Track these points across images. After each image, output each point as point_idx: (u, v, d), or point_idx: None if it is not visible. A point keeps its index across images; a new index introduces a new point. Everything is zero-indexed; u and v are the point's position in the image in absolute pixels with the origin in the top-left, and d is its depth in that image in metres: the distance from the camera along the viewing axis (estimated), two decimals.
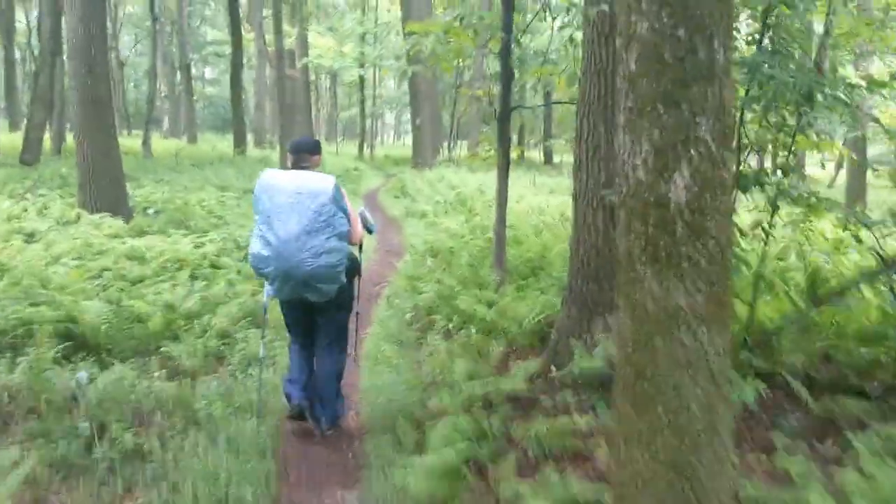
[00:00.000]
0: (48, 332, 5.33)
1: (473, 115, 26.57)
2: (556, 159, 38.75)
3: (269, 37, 31.25)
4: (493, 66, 29.92)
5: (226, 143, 30.14)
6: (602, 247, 5.11)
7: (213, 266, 8.32)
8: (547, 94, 25.57)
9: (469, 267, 7.86)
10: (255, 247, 4.22)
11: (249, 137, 32.94)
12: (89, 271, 7.21)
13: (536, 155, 44.26)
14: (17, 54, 34.72)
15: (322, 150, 4.92)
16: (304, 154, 4.55)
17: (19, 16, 31.59)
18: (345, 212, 4.31)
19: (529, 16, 8.64)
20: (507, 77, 7.43)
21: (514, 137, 44.87)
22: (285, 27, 32.53)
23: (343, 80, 46.70)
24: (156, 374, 5.33)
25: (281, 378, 5.04)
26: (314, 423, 4.59)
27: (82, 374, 4.85)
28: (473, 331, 6.03)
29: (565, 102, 7.88)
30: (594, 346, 4.96)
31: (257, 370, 5.04)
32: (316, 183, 4.19)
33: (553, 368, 5.04)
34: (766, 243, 5.16)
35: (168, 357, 5.61)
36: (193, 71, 61.47)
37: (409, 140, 66.06)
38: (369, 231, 4.98)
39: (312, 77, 49.89)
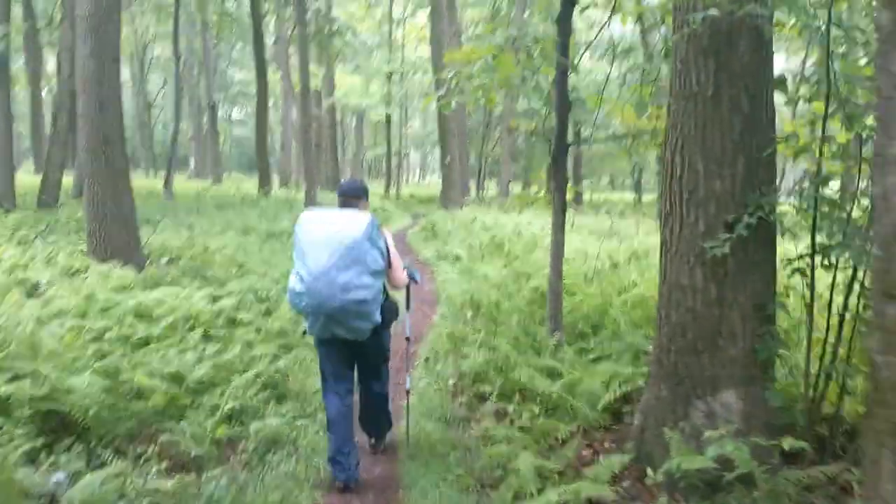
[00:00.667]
0: (26, 415, 4.43)
1: (505, 152, 25.77)
2: (584, 196, 37.80)
3: (296, 77, 30.91)
4: (526, 102, 29.26)
5: (251, 184, 29.61)
6: (702, 311, 4.11)
7: (230, 323, 7.43)
8: (577, 133, 24.76)
9: (519, 325, 6.88)
10: (292, 282, 4.25)
11: (275, 178, 32.43)
12: (89, 332, 6.33)
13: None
14: (46, 95, 34.60)
15: (369, 194, 4.80)
16: (350, 198, 4.54)
17: (48, 55, 31.41)
18: (380, 250, 4.27)
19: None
20: (563, 108, 6.53)
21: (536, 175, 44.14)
22: (312, 67, 32.31)
23: (369, 119, 46.38)
24: (154, 467, 4.40)
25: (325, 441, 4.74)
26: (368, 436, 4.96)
27: (60, 476, 3.93)
28: (536, 410, 5.03)
29: (629, 136, 6.88)
30: (695, 437, 3.95)
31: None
32: (352, 220, 4.18)
33: (647, 470, 4.01)
34: None
35: (170, 444, 4.66)
36: (220, 112, 62.02)
37: (435, 179, 65.67)
38: (414, 280, 4.95)
39: (339, 117, 49.71)
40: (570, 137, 6.76)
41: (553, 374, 5.51)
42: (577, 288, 8.36)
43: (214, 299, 8.14)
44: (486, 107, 32.33)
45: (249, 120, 59.40)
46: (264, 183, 22.89)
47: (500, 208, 21.91)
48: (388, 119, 34.23)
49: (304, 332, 4.71)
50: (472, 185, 31.23)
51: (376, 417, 4.92)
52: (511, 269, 10.88)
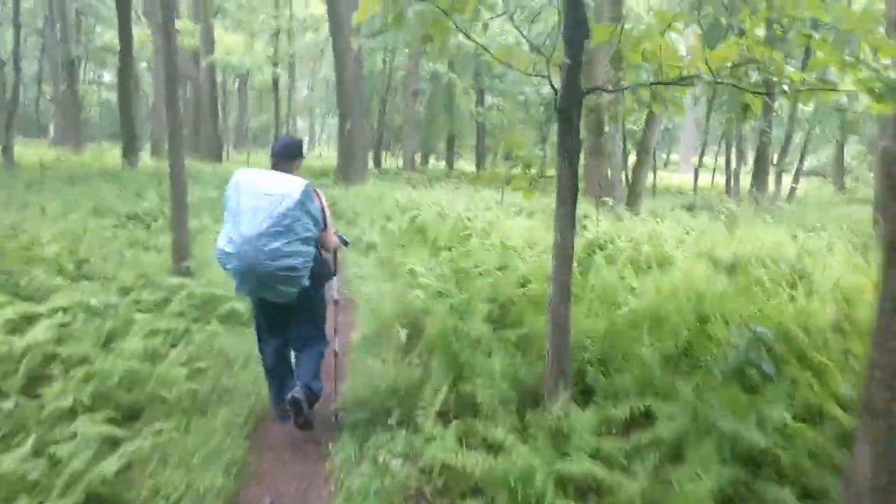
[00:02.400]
0: None
1: (409, 120, 23.17)
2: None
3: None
4: (430, 65, 26.68)
5: (117, 154, 25.87)
6: None
7: (42, 373, 4.73)
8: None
9: (497, 373, 4.48)
10: (221, 242, 4.29)
11: (147, 147, 28.61)
12: None
13: (466, 165, 41.25)
14: None
15: (303, 153, 4.81)
16: (283, 159, 4.57)
17: None
18: (313, 217, 4.32)
19: None
20: (577, 31, 4.12)
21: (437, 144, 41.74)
22: (188, 23, 28.57)
23: (253, 83, 42.58)
24: None
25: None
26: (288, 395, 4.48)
27: None
28: None
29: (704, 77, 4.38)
30: None
31: None
32: (284, 186, 4.19)
33: None
34: None
35: None
36: (90, 74, 56.21)
37: (327, 151, 62.27)
38: (345, 244, 5.08)
39: (220, 80, 45.59)
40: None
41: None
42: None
43: (23, 326, 5.38)
44: (385, 67, 29.57)
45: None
46: (129, 152, 19.41)
47: (408, 183, 19.41)
48: (276, 81, 30.87)
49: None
50: (369, 157, 28.54)
51: (307, 374, 4.58)
52: (446, 264, 8.49)
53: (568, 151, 4.14)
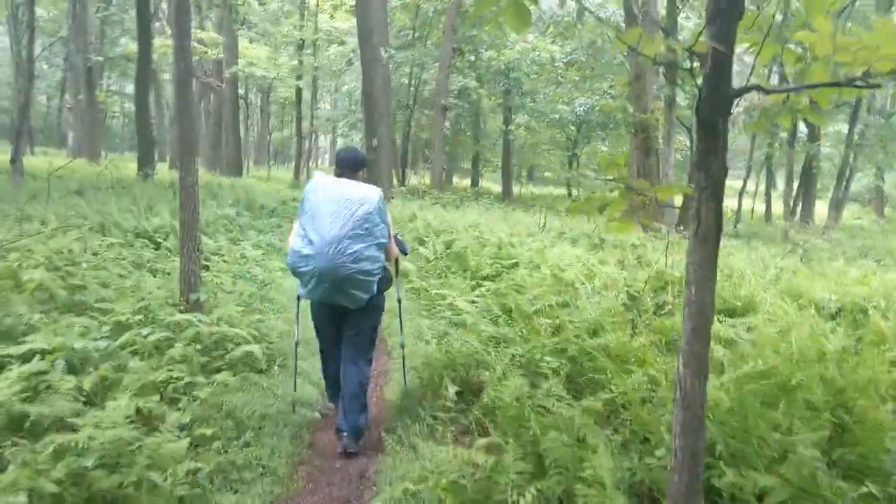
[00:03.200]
0: None
1: (437, 136, 22.14)
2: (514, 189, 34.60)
3: (192, 43, 26.33)
4: (460, 77, 25.64)
5: (134, 165, 25.04)
6: None
7: (11, 430, 3.68)
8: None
9: (607, 467, 3.33)
10: (297, 244, 4.32)
11: (168, 159, 27.75)
12: None
13: (490, 184, 40.18)
14: None
15: (366, 167, 4.83)
16: (348, 170, 4.63)
17: None
18: (387, 224, 4.48)
19: None
20: (730, 16, 2.98)
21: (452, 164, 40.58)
22: (213, 34, 27.79)
23: (276, 96, 41.85)
24: None
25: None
26: (338, 436, 4.63)
27: None
28: None
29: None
30: None
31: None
32: (363, 191, 4.31)
33: None
34: None
35: None
36: (111, 83, 55.79)
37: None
38: (404, 252, 5.12)
39: (243, 92, 44.96)
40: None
41: None
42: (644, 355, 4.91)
43: None
44: (412, 81, 28.59)
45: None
46: (145, 163, 18.46)
47: (437, 202, 18.32)
48: (299, 93, 29.99)
49: (298, 298, 4.81)
50: (393, 174, 27.56)
51: (355, 399, 4.63)
52: (491, 298, 7.39)
53: (711, 176, 3.01)
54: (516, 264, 9.00)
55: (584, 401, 4.43)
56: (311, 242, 4.24)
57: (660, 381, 4.59)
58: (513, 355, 5.17)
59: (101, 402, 4.40)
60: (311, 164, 51.62)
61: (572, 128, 27.42)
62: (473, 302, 7.59)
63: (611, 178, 4.25)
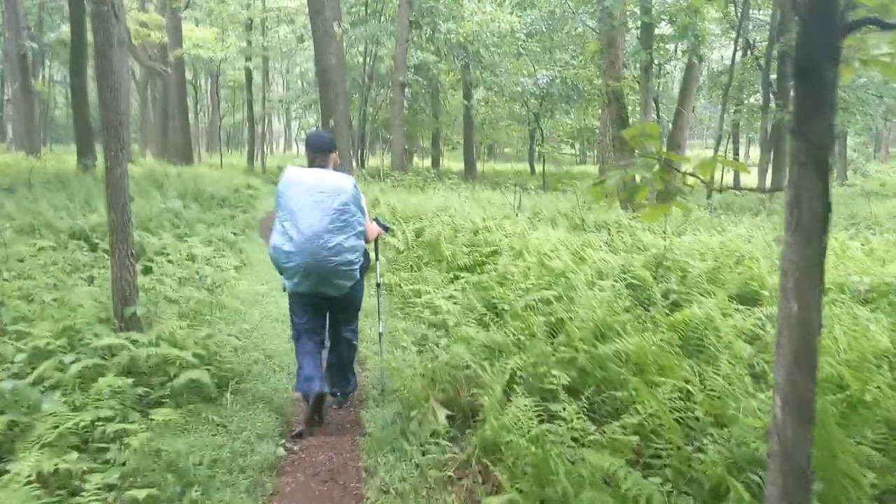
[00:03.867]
0: None
1: (395, 115, 21.13)
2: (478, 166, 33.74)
3: (133, 26, 24.80)
4: (418, 53, 24.61)
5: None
6: None
7: None
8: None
9: None
10: (278, 241, 4.37)
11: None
12: None
13: (451, 163, 39.28)
14: None
15: (335, 147, 4.90)
16: (320, 153, 4.69)
17: None
18: (362, 211, 4.55)
19: None
20: None
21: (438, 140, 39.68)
22: (155, 15, 26.30)
23: (226, 79, 40.30)
24: None
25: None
26: (331, 395, 4.89)
27: None
28: None
29: None
30: None
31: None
32: (338, 183, 4.37)
33: None
34: None
35: None
36: (53, 72, 53.42)
37: (304, 149, 59.83)
38: (386, 230, 5.26)
39: (190, 76, 43.30)
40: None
41: None
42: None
43: None
44: (368, 59, 27.45)
45: (91, 83, 51.25)
46: (84, 153, 17.14)
47: (399, 185, 17.40)
48: (249, 75, 28.67)
49: (284, 289, 4.68)
50: (355, 155, 26.42)
51: (344, 370, 5.02)
52: (474, 294, 6.58)
53: (814, 145, 2.18)
54: (496, 252, 8.17)
55: (607, 426, 3.63)
56: (291, 239, 4.29)
57: (695, 396, 3.81)
58: (513, 370, 4.33)
59: (4, 462, 3.48)
60: (265, 149, 50.14)
61: (534, 101, 26.53)
62: (452, 298, 6.75)
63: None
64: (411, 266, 8.18)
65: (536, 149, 30.84)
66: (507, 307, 6.03)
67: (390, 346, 5.99)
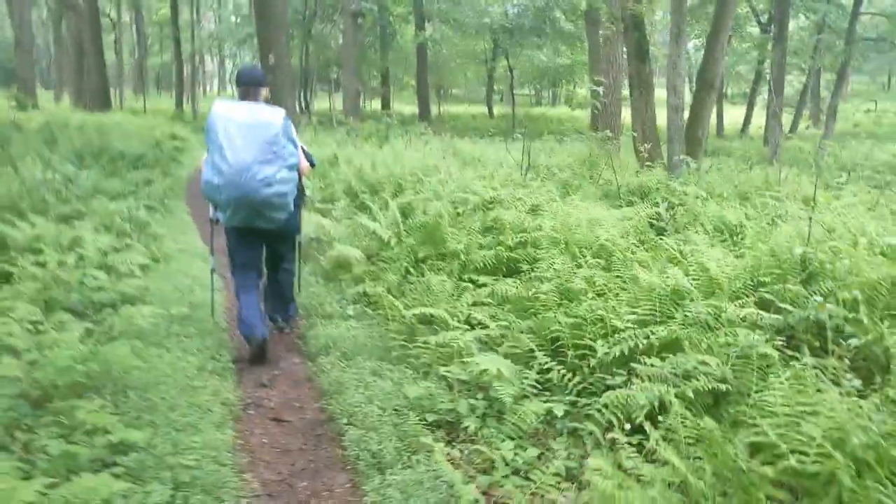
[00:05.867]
0: None
1: (346, 51, 18.07)
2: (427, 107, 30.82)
3: None
4: None
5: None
6: None
7: None
8: None
9: None
10: (208, 174, 4.33)
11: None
12: None
13: (401, 106, 36.20)
14: None
15: (267, 81, 4.83)
16: (251, 87, 4.61)
17: None
18: (294, 144, 4.50)
19: None
20: None
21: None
22: None
23: (151, 14, 36.23)
24: None
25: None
26: (273, 325, 5.02)
27: None
28: None
29: None
30: None
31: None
32: (267, 116, 4.32)
33: None
34: None
35: None
36: None
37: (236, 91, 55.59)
38: (312, 164, 5.13)
39: (112, 14, 39.08)
40: None
41: None
42: None
43: None
44: None
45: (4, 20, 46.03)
46: None
47: (355, 135, 14.56)
48: (175, 7, 25.05)
49: (217, 221, 4.86)
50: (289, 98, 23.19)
51: (284, 297, 5.07)
52: (519, 320, 4.07)
53: None
54: (525, 241, 5.61)
55: None
56: (220, 172, 4.23)
57: None
58: None
59: None
60: (198, 91, 46.14)
61: (501, 35, 23.53)
62: (482, 328, 4.22)
63: None
64: (406, 269, 5.54)
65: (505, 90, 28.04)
66: (594, 353, 3.55)
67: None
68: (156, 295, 5.50)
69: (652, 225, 6.74)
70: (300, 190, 4.83)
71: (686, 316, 3.86)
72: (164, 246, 6.63)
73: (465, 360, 3.80)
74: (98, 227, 6.82)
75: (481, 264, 5.41)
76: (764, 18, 22.69)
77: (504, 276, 5.34)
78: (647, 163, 9.53)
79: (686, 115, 10.00)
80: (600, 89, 8.81)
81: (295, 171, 4.48)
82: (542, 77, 34.86)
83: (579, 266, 4.91)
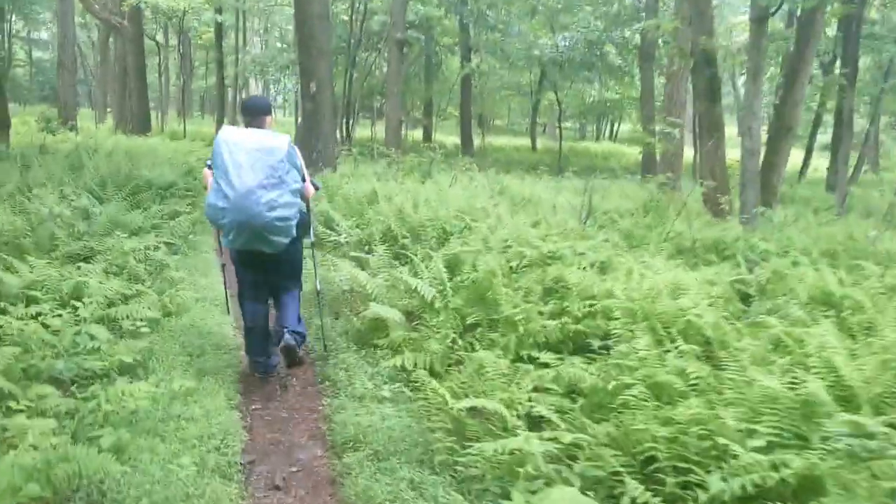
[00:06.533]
0: None
1: (391, 78, 17.44)
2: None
3: None
4: (416, 7, 20.85)
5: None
6: None
7: None
8: None
9: None
10: (212, 198, 4.38)
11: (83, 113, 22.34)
12: None
13: (442, 137, 35.57)
14: None
15: (272, 110, 4.89)
16: (257, 116, 4.67)
17: None
18: (298, 169, 4.58)
19: None
20: None
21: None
22: None
23: (196, 37, 36.22)
24: None
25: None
26: (282, 342, 4.82)
27: None
28: None
29: None
30: None
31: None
32: (272, 141, 4.39)
33: None
34: None
35: None
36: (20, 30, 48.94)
37: (284, 115, 55.57)
38: (316, 188, 5.10)
39: (160, 35, 39.21)
40: None
41: None
42: None
43: None
44: (355, 15, 23.59)
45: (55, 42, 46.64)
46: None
47: (396, 167, 13.81)
48: (219, 30, 24.77)
49: (220, 244, 4.94)
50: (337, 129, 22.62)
51: (292, 317, 4.91)
52: (600, 435, 3.13)
53: None
54: (593, 311, 4.73)
55: None
56: (225, 196, 4.27)
57: None
58: None
59: None
60: (237, 116, 46.12)
61: (550, 67, 22.68)
62: (550, 426, 3.35)
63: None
64: (451, 338, 4.68)
65: (548, 122, 27.24)
66: (704, 486, 2.66)
67: None
68: (160, 358, 4.73)
69: (737, 290, 5.86)
70: (307, 222, 4.91)
71: (826, 440, 2.95)
72: (179, 294, 5.85)
73: (532, 488, 2.93)
74: (109, 269, 6.10)
75: (543, 337, 4.55)
76: (826, 59, 21.61)
77: (570, 353, 4.47)
78: (718, 212, 8.62)
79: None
80: (675, 131, 7.92)
81: (298, 197, 4.52)
82: (589, 111, 33.99)
83: (666, 351, 4.03)
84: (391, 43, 17.25)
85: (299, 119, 18.02)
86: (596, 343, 4.44)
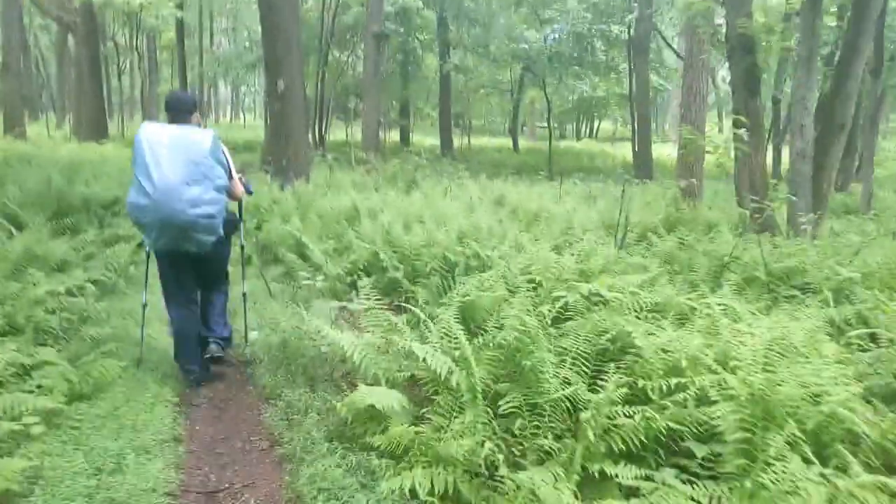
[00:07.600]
0: None
1: (368, 75, 15.89)
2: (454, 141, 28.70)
3: None
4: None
5: None
6: None
7: None
8: None
9: None
10: (132, 196, 4.16)
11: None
12: None
13: (419, 138, 34.05)
14: None
15: (197, 107, 4.68)
16: (181, 113, 4.47)
17: None
18: (223, 165, 4.32)
19: None
20: None
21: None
22: None
23: (158, 35, 34.38)
24: None
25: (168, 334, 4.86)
26: (207, 353, 4.71)
27: None
28: None
29: None
30: None
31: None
32: (194, 135, 4.19)
33: None
34: None
35: None
36: None
37: (253, 118, 53.62)
38: (249, 193, 4.93)
39: (123, 40, 37.26)
40: None
41: None
42: None
43: None
44: (326, 8, 21.96)
45: None
46: None
47: (375, 174, 12.32)
48: (180, 28, 23.05)
49: (141, 244, 4.97)
50: (313, 128, 21.00)
51: (218, 319, 4.85)
52: None
53: None
54: (685, 400, 3.29)
55: None
56: (146, 193, 4.00)
57: None
58: None
59: None
60: (210, 117, 44.34)
61: (537, 63, 21.11)
62: None
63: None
64: (481, 441, 3.22)
65: (527, 122, 25.88)
66: None
67: None
68: (52, 484, 3.21)
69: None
70: (235, 221, 4.79)
71: None
72: (99, 362, 4.31)
73: None
74: (4, 327, 4.56)
75: (619, 438, 3.10)
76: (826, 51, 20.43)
77: (659, 465, 3.04)
78: (763, 227, 7.26)
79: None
80: (742, 131, 6.50)
81: (224, 193, 4.31)
82: (576, 109, 32.64)
83: (822, 474, 2.60)
84: (367, 37, 15.72)
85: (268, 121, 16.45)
86: (698, 450, 3.01)
